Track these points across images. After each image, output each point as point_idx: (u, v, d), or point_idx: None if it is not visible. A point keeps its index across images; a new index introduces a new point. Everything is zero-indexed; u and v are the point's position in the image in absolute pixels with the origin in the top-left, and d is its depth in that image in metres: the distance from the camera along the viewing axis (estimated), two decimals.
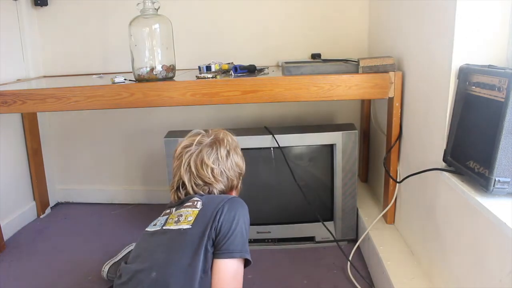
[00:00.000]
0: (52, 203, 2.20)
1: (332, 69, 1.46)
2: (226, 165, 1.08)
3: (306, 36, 1.96)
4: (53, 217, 2.10)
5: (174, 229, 0.98)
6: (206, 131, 1.13)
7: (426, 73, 1.20)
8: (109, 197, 2.23)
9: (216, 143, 1.09)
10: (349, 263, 1.50)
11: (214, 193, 1.07)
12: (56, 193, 2.25)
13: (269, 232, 1.66)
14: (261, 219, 1.67)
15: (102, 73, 1.99)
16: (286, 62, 1.55)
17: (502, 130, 0.82)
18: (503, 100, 0.83)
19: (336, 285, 1.43)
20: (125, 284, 0.96)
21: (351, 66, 1.45)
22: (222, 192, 1.09)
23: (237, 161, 1.12)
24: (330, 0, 1.92)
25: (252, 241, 1.67)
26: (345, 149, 1.56)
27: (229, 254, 0.95)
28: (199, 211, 0.99)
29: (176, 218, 1.00)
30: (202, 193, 1.06)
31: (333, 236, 1.59)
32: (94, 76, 1.94)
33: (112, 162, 2.20)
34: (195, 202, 1.02)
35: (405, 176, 1.30)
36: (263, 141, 1.59)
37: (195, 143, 1.08)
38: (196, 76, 1.54)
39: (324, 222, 1.59)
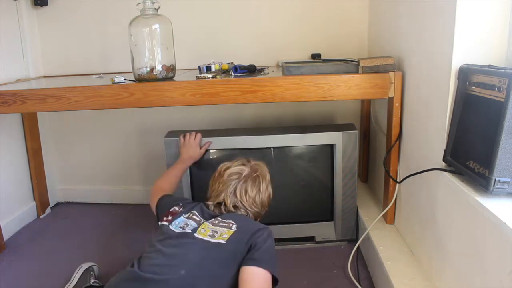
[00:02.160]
0: (52, 203, 2.20)
1: (332, 69, 1.46)
2: (264, 197, 1.24)
3: (306, 36, 1.96)
4: (53, 217, 2.10)
5: (209, 241, 1.07)
6: (248, 161, 1.28)
7: (426, 73, 1.20)
8: (109, 197, 2.23)
9: (259, 177, 1.24)
10: (349, 263, 1.50)
11: (249, 216, 1.21)
12: (56, 193, 2.25)
13: None
14: (261, 219, 1.67)
15: (102, 73, 1.99)
16: (286, 62, 1.55)
17: (502, 130, 0.82)
18: (503, 100, 0.83)
19: (336, 285, 1.43)
20: (151, 273, 1.00)
21: (351, 66, 1.45)
22: (255, 215, 1.23)
23: (271, 194, 1.28)
24: (330, 0, 1.92)
25: None
26: (345, 149, 1.56)
27: (259, 262, 1.03)
28: (233, 232, 1.09)
29: (211, 233, 1.09)
30: (239, 212, 1.20)
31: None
32: (94, 76, 1.94)
33: (112, 162, 2.20)
34: (230, 225, 1.12)
35: (405, 176, 1.30)
36: (263, 141, 1.59)
37: (243, 174, 1.22)
38: (196, 76, 1.54)
39: (324, 222, 1.60)
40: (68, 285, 1.41)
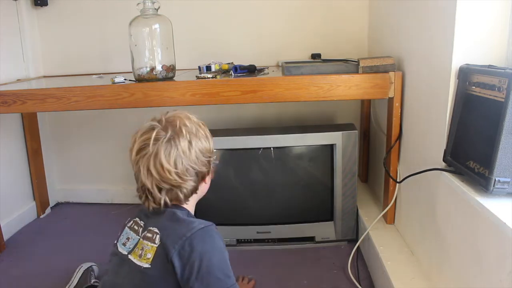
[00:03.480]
0: (52, 203, 2.20)
1: (332, 69, 1.46)
2: (191, 158, 0.94)
3: (306, 36, 1.96)
4: (53, 217, 2.10)
5: (136, 264, 0.91)
6: (159, 121, 0.98)
7: (426, 73, 1.20)
8: (109, 197, 2.23)
9: (173, 136, 0.93)
10: (349, 263, 1.50)
11: (184, 193, 0.95)
12: (56, 193, 2.25)
13: (269, 232, 1.66)
14: (261, 219, 1.67)
15: (102, 73, 1.99)
16: (286, 62, 1.55)
17: (502, 130, 0.82)
18: (503, 100, 0.83)
19: (336, 285, 1.43)
20: None
21: (351, 66, 1.45)
22: (193, 188, 0.97)
23: (202, 147, 0.97)
24: (330, 0, 1.92)
25: (252, 241, 1.67)
26: (345, 149, 1.56)
27: None
28: (157, 248, 0.89)
29: (140, 252, 0.91)
30: (168, 204, 0.95)
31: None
32: (94, 76, 1.94)
33: (112, 162, 2.20)
34: (154, 235, 0.91)
35: (405, 176, 1.30)
36: (263, 141, 1.59)
37: (151, 143, 0.92)
38: (196, 76, 1.54)
39: (324, 222, 1.59)
40: (69, 285, 1.41)
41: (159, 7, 1.47)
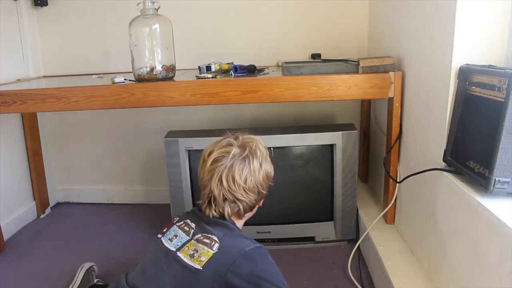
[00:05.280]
0: (52, 203, 2.20)
1: (332, 69, 1.46)
2: (259, 178, 1.05)
3: (306, 36, 1.96)
4: (53, 217, 2.10)
5: (186, 263, 0.95)
6: (235, 138, 1.08)
7: (426, 73, 1.20)
8: (109, 197, 2.23)
9: (248, 155, 1.04)
10: (349, 263, 1.50)
11: (244, 206, 1.05)
12: (56, 193, 2.25)
13: (269, 232, 1.66)
14: (261, 219, 1.66)
15: (102, 73, 1.99)
16: (286, 62, 1.55)
17: (502, 130, 0.82)
18: (503, 100, 0.83)
19: (336, 285, 1.43)
20: None
21: (351, 66, 1.45)
22: (252, 206, 1.07)
23: (268, 171, 1.08)
24: (330, 0, 1.92)
25: None
26: (345, 149, 1.56)
27: None
28: (213, 254, 0.95)
29: (192, 252, 0.97)
30: (231, 207, 1.03)
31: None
32: (94, 76, 1.94)
33: (112, 162, 2.20)
34: (213, 243, 0.97)
35: (405, 176, 1.30)
36: (263, 141, 1.58)
37: (230, 156, 1.02)
38: (196, 76, 1.54)
39: (324, 222, 1.59)
40: (73, 285, 1.41)
41: (159, 7, 1.47)
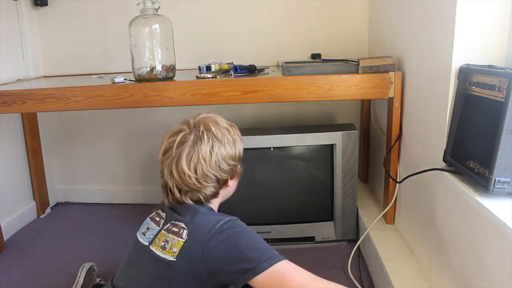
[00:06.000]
0: (52, 203, 2.20)
1: (332, 69, 1.46)
2: (211, 165, 0.94)
3: (306, 36, 1.96)
4: (53, 217, 2.10)
5: (159, 256, 0.90)
6: (187, 123, 0.99)
7: (426, 73, 1.20)
8: (109, 197, 2.23)
9: (197, 141, 0.94)
10: (349, 263, 1.50)
11: (204, 196, 0.96)
12: (56, 193, 2.25)
13: (269, 232, 1.66)
14: (261, 219, 1.67)
15: (102, 73, 1.99)
16: (286, 62, 1.55)
17: (502, 130, 0.82)
18: (503, 100, 0.83)
19: None
20: None
21: (351, 66, 1.45)
22: (213, 193, 0.98)
23: (226, 153, 0.97)
24: (330, 0, 1.92)
25: None
26: (345, 149, 1.56)
27: (255, 267, 0.82)
28: (184, 242, 0.88)
29: (163, 243, 0.91)
30: (190, 203, 0.96)
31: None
32: (94, 76, 1.94)
33: (112, 162, 2.20)
34: (181, 230, 0.90)
35: (405, 176, 1.30)
36: (263, 141, 1.59)
37: (175, 146, 0.94)
38: (196, 76, 1.54)
39: (324, 222, 1.59)
40: (76, 285, 1.41)
41: (159, 7, 1.47)
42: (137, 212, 2.11)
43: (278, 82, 1.43)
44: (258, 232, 1.63)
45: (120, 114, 2.12)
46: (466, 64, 0.99)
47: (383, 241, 1.42)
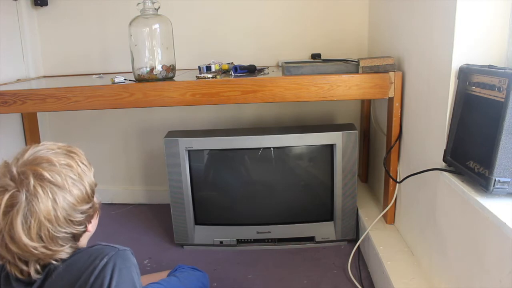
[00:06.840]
0: None
1: (332, 69, 1.46)
2: (60, 223, 0.73)
3: (306, 36, 1.96)
4: None
5: None
6: (11, 175, 0.76)
7: (426, 73, 1.20)
8: (109, 197, 2.23)
9: (30, 200, 0.70)
10: (349, 263, 1.50)
11: (58, 259, 0.76)
12: None
13: (269, 232, 1.66)
14: (261, 219, 1.67)
15: (102, 73, 1.99)
16: (286, 62, 1.55)
17: (502, 130, 0.82)
18: (503, 100, 0.83)
19: (336, 285, 1.43)
20: None
21: (351, 66, 1.45)
22: (71, 251, 0.78)
23: (75, 199, 0.76)
24: (330, 0, 1.92)
25: (252, 241, 1.67)
26: (345, 149, 1.56)
27: None
28: None
29: None
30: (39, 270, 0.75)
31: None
32: (94, 76, 1.94)
33: (112, 162, 2.20)
34: None
35: (405, 176, 1.30)
36: (263, 141, 1.59)
37: (0, 214, 0.70)
38: (196, 76, 1.54)
39: (324, 222, 1.59)
40: None
41: (159, 7, 1.47)
42: (137, 212, 2.11)
43: (278, 82, 1.43)
44: (258, 233, 1.65)
45: (120, 114, 2.12)
46: (466, 64, 0.99)
47: (383, 241, 1.42)
